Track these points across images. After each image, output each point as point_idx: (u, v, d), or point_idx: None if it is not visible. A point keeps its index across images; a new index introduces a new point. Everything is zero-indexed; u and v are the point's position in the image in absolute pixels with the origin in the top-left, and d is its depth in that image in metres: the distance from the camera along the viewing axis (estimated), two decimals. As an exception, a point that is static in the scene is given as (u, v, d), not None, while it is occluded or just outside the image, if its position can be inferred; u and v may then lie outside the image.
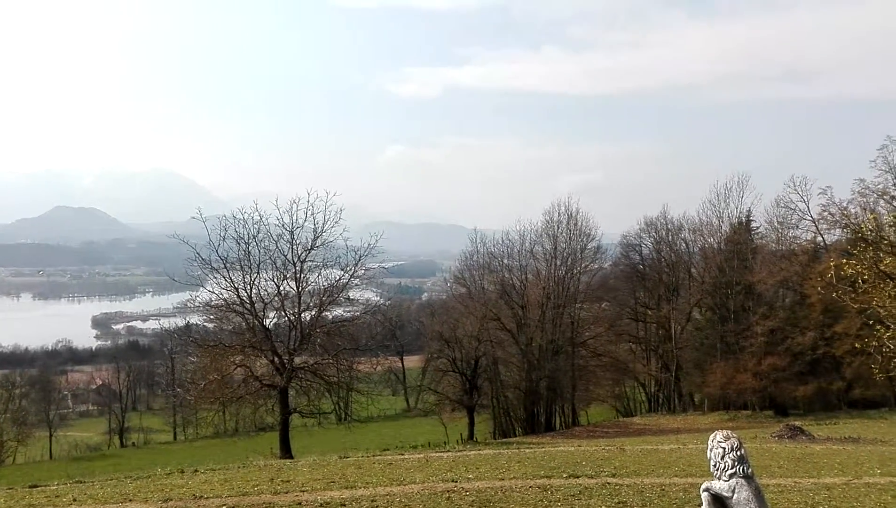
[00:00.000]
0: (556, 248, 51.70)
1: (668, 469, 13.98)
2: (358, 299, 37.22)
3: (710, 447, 4.09)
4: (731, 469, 3.92)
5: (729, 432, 4.08)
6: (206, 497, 11.24)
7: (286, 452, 28.66)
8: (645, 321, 59.68)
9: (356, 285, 34.33)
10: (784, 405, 45.49)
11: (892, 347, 7.40)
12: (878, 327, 7.57)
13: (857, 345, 8.25)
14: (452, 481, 12.13)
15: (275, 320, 32.37)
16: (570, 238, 52.03)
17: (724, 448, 3.98)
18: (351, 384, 35.73)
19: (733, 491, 3.87)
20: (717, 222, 54.01)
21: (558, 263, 51.47)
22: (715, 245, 54.16)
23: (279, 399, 30.05)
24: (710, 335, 51.13)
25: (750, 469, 3.95)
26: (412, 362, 71.94)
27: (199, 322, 51.60)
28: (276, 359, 29.95)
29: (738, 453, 3.93)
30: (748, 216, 52.32)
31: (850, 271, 7.06)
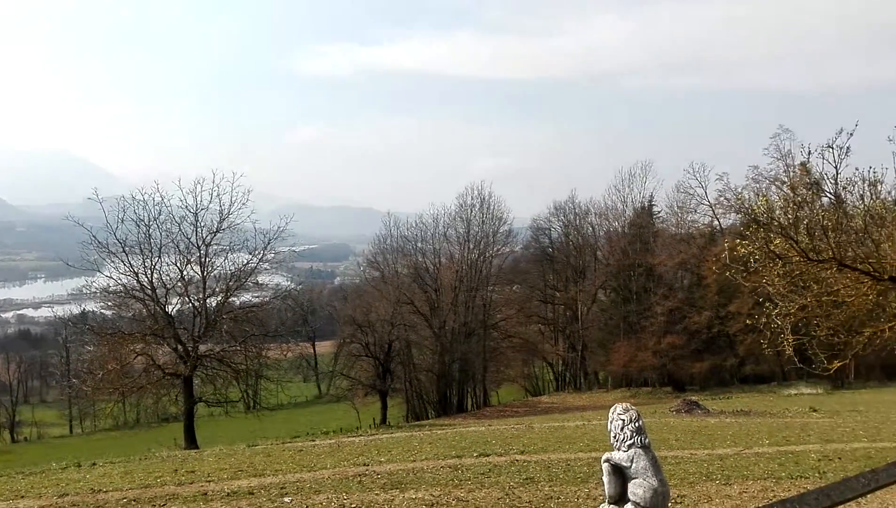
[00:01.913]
0: (469, 231, 52.34)
1: (573, 445, 14.43)
2: (267, 284, 36.23)
3: (610, 419, 4.22)
4: (630, 440, 4.06)
5: (628, 404, 4.23)
6: (105, 491, 10.70)
7: (191, 442, 27.72)
8: (553, 302, 61.35)
9: (265, 269, 33.51)
10: (682, 382, 47.94)
11: (779, 323, 7.92)
12: (767, 304, 8.09)
13: (748, 322, 8.82)
14: (364, 465, 12.07)
15: (178, 306, 31.06)
16: (482, 222, 52.78)
17: (624, 420, 4.12)
18: (260, 371, 34.90)
19: (632, 461, 4.01)
20: (621, 206, 56.27)
21: (471, 246, 52.11)
22: (619, 229, 56.34)
23: (183, 389, 28.96)
24: (614, 316, 53.26)
25: (647, 440, 4.10)
26: (324, 347, 71.13)
27: (95, 309, 48.92)
28: (179, 347, 28.82)
29: (636, 424, 4.08)
30: (650, 201, 54.83)
31: (743, 251, 7.48)
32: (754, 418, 22.10)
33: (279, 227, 31.06)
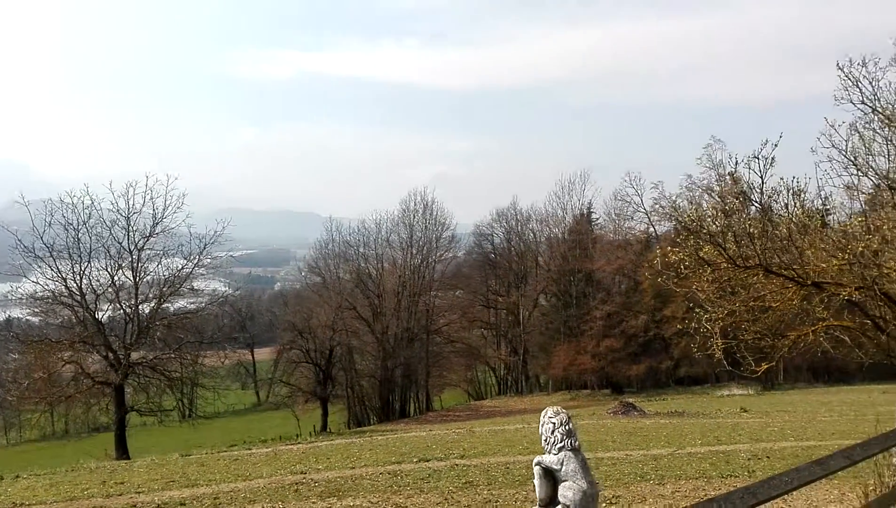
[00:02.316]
0: (412, 237, 52.22)
1: (513, 448, 14.55)
2: (203, 290, 35.35)
3: (541, 423, 4.26)
4: (560, 442, 4.10)
5: (558, 408, 4.28)
6: (29, 505, 10.22)
7: (123, 453, 26.76)
8: (496, 307, 61.81)
9: (201, 274, 32.65)
10: (619, 384, 48.94)
11: (708, 327, 8.17)
12: (698, 309, 8.35)
13: (679, 327, 9.08)
14: (301, 473, 11.87)
15: (109, 312, 30.04)
16: (425, 227, 52.77)
17: (554, 423, 4.16)
18: (196, 379, 34.02)
19: (562, 464, 4.05)
20: (561, 213, 57.23)
21: (414, 251, 52.01)
22: (560, 235, 57.26)
23: (114, 398, 27.94)
24: (555, 320, 54.01)
25: (577, 443, 4.15)
26: (264, 354, 69.71)
27: (21, 316, 46.74)
28: (110, 355, 27.82)
29: (567, 427, 4.12)
30: (589, 208, 55.96)
31: (674, 258, 7.70)
32: (688, 419, 22.74)
33: (216, 231, 30.36)
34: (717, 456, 12.43)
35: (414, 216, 52.19)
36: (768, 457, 12.26)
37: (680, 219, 8.33)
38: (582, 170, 56.72)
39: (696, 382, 48.15)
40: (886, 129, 7.95)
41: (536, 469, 4.19)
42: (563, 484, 3.98)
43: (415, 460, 12.77)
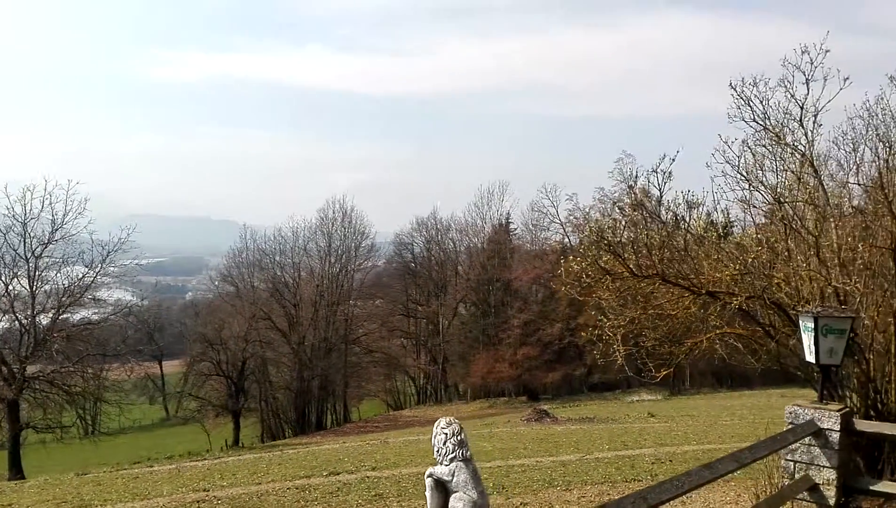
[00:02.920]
0: (330, 245, 51.56)
1: (426, 458, 14.47)
2: (106, 300, 33.69)
3: (434, 433, 4.23)
4: (452, 453, 4.08)
5: (451, 418, 4.26)
6: None
7: (17, 472, 25.10)
8: (416, 316, 61.85)
9: (105, 283, 31.16)
10: (536, 391, 49.80)
11: (611, 334, 8.42)
12: (602, 317, 8.60)
13: (583, 334, 9.32)
14: (204, 490, 11.40)
15: (3, 324, 28.27)
16: (344, 236, 52.24)
17: (447, 434, 4.14)
18: (98, 393, 32.30)
19: (453, 474, 4.03)
20: (480, 223, 58.01)
21: (332, 260, 51.36)
22: (479, 245, 58.01)
23: (7, 414, 26.17)
24: (474, 329, 54.52)
25: (469, 453, 4.14)
26: (173, 366, 66.87)
27: None
28: (3, 368, 26.11)
29: (459, 437, 4.11)
30: (507, 219, 56.98)
31: (577, 267, 7.91)
32: (598, 424, 23.32)
33: (120, 238, 29.02)
34: (622, 461, 12.77)
35: (332, 224, 51.59)
36: (671, 461, 12.70)
37: (583, 230, 8.54)
38: (500, 181, 57.74)
39: (608, 388, 49.55)
40: (776, 146, 8.36)
41: (428, 481, 4.16)
42: (454, 495, 3.96)
43: (325, 473, 12.50)
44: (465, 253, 60.10)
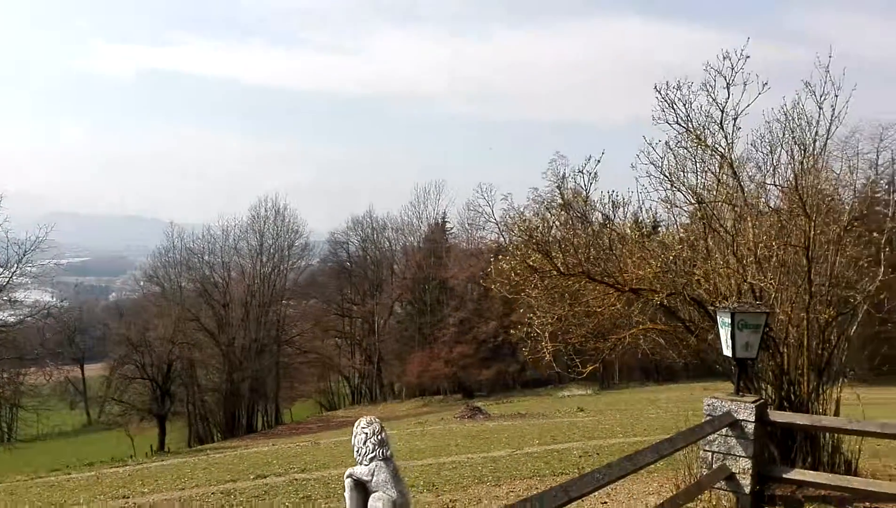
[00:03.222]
0: (262, 244, 50.62)
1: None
2: (23, 301, 32.13)
3: (354, 433, 4.17)
4: (372, 453, 4.03)
5: (372, 417, 4.20)
6: None
7: (-81, 487, 23.55)
8: (351, 316, 61.40)
9: (22, 284, 29.72)
10: (471, 388, 50.14)
11: (539, 331, 8.54)
12: (530, 314, 8.71)
13: (512, 331, 9.47)
14: (124, 497, 10.95)
15: None
16: (277, 235, 51.38)
17: (367, 434, 4.08)
18: (14, 399, 30.75)
19: (373, 474, 3.99)
20: (416, 222, 58.06)
21: (264, 259, 50.42)
22: (415, 244, 58.04)
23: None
24: (410, 327, 54.53)
25: (389, 452, 4.09)
26: (95, 370, 64.19)
27: None
28: None
29: (379, 437, 4.06)
30: (444, 218, 57.24)
31: (506, 266, 8.00)
32: (529, 419, 23.62)
33: (38, 237, 27.69)
34: (551, 455, 12.94)
35: (264, 223, 50.64)
36: (598, 454, 12.94)
37: (512, 229, 8.62)
38: (437, 180, 57.89)
39: (540, 384, 50.34)
40: (697, 148, 8.60)
41: (347, 482, 4.09)
42: (373, 495, 3.91)
43: (252, 477, 12.20)
44: (402, 252, 60.02)
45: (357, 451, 4.10)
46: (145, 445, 39.26)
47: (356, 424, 4.20)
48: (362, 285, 60.78)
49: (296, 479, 11.59)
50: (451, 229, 57.65)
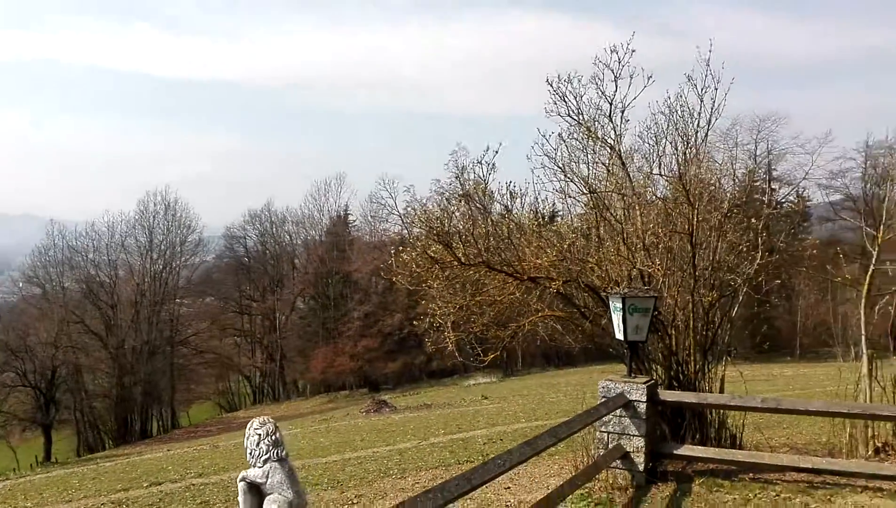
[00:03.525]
0: (152, 241, 48.25)
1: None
2: None
3: (246, 435, 4.02)
4: (266, 454, 3.91)
5: (265, 418, 4.07)
6: None
7: None
8: (250, 313, 59.76)
9: None
10: (377, 382, 49.99)
11: (442, 321, 8.59)
12: (433, 305, 8.73)
13: (415, 323, 9.51)
14: (2, 516, 10.17)
15: None
16: (168, 230, 49.13)
17: (260, 435, 3.95)
18: None
19: (267, 476, 3.87)
20: (318, 215, 57.14)
21: (155, 256, 48.11)
22: (317, 237, 57.11)
23: None
24: (313, 323, 53.65)
25: (284, 452, 3.98)
26: (-31, 379, 59.52)
27: None
28: None
29: (273, 437, 3.94)
30: (346, 210, 56.62)
31: (407, 257, 7.99)
32: (435, 410, 23.81)
33: None
34: (456, 444, 13.08)
35: (154, 218, 48.27)
36: (502, 440, 13.20)
37: (414, 221, 8.59)
38: (338, 172, 57.12)
39: (446, 374, 50.83)
40: (588, 140, 8.85)
41: (241, 486, 3.95)
42: (268, 498, 3.79)
43: (145, 485, 11.62)
44: (303, 246, 58.92)
45: (250, 453, 3.95)
46: (30, 457, 36.72)
47: (248, 425, 4.05)
48: (262, 281, 59.21)
49: (193, 484, 11.13)
50: (354, 221, 57.20)
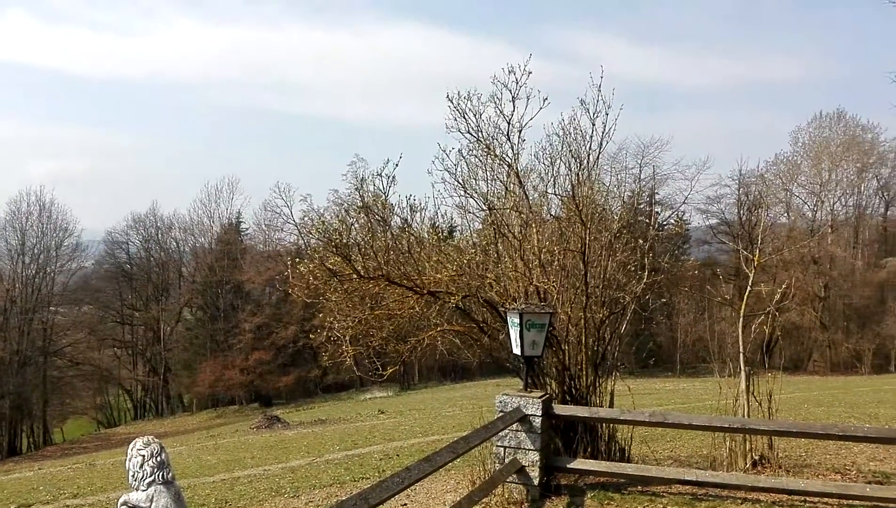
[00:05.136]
0: (24, 243, 44.95)
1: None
2: None
3: (129, 456, 3.77)
4: (150, 476, 3.68)
5: (150, 437, 3.84)
6: None
7: None
8: (132, 323, 56.65)
9: None
10: (269, 396, 48.60)
11: (340, 335, 8.47)
12: (331, 318, 8.59)
13: (312, 336, 9.33)
14: None
15: None
16: (42, 233, 45.90)
17: (144, 456, 3.72)
18: None
19: (151, 500, 3.64)
20: (208, 221, 55.07)
21: (27, 260, 44.81)
22: (206, 245, 55.02)
23: None
24: (201, 335, 51.51)
25: (171, 474, 3.76)
26: None
27: None
28: None
29: (159, 458, 3.72)
30: (238, 218, 54.86)
31: (304, 269, 7.83)
32: (330, 425, 23.36)
33: None
34: (352, 461, 12.87)
35: (27, 219, 45.02)
36: (398, 455, 13.11)
37: (311, 232, 8.43)
38: (230, 177, 55.16)
39: (342, 388, 50.15)
40: (487, 157, 9.00)
41: (122, 510, 3.71)
42: (152, 523, 3.57)
43: (13, 507, 10.72)
44: (191, 254, 56.60)
45: (133, 476, 3.70)
46: None
47: (131, 445, 3.80)
48: (145, 290, 56.29)
49: (67, 506, 10.36)
50: (247, 229, 55.55)
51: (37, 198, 45.80)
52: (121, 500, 3.76)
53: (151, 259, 56.59)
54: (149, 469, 3.61)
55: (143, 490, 3.60)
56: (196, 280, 53.03)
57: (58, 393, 45.76)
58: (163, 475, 3.63)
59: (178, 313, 53.87)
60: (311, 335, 8.89)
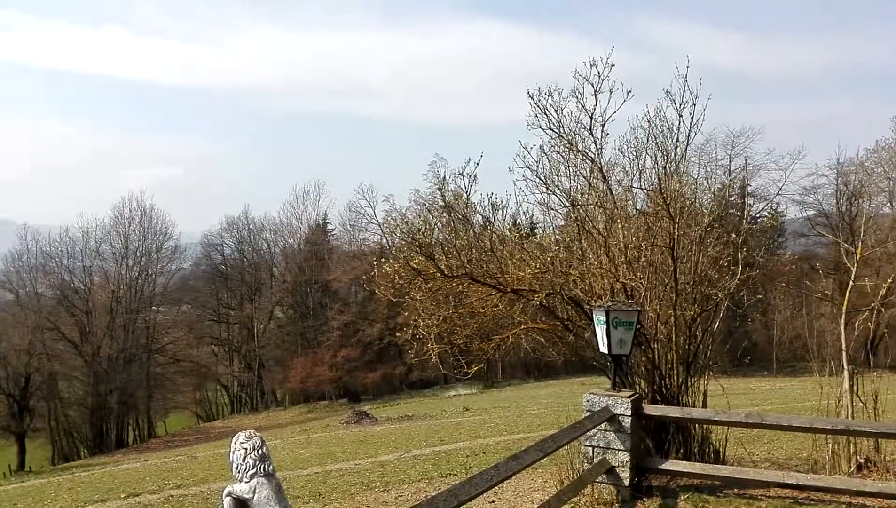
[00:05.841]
0: (127, 247, 47.70)
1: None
2: None
3: (232, 449, 3.96)
4: (253, 469, 3.86)
5: (251, 431, 4.02)
6: None
7: None
8: (228, 321, 59.13)
9: None
10: (357, 392, 49.69)
11: (425, 333, 8.58)
12: (416, 316, 8.72)
13: (397, 334, 9.48)
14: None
15: None
16: (144, 237, 48.61)
17: (247, 449, 3.90)
18: None
19: (254, 492, 3.81)
20: (296, 223, 56.80)
21: (130, 263, 47.56)
22: (295, 245, 56.74)
23: None
24: (291, 332, 53.25)
25: (271, 467, 3.93)
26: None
27: None
28: None
29: (260, 452, 3.89)
30: (325, 219, 56.36)
31: (390, 269, 7.98)
32: (416, 422, 23.68)
33: None
34: (439, 457, 13.01)
35: (129, 224, 47.77)
36: (484, 452, 13.16)
37: (395, 232, 8.59)
38: (317, 180, 56.84)
39: (427, 385, 50.67)
40: (569, 153, 8.89)
41: (226, 501, 3.89)
42: (254, 513, 3.75)
43: (123, 496, 11.43)
44: (281, 254, 58.51)
45: (236, 468, 3.89)
46: (2, 465, 36.02)
47: (234, 439, 3.99)
48: (239, 290, 58.66)
49: (172, 496, 10.97)
50: (333, 230, 56.94)
51: (138, 203, 48.56)
52: (225, 491, 3.95)
53: (245, 260, 58.90)
54: (251, 462, 3.79)
55: (246, 482, 3.78)
56: (286, 280, 54.81)
57: (160, 388, 48.23)
58: (264, 467, 3.81)
59: (271, 312, 55.82)
60: (396, 333, 9.04)
